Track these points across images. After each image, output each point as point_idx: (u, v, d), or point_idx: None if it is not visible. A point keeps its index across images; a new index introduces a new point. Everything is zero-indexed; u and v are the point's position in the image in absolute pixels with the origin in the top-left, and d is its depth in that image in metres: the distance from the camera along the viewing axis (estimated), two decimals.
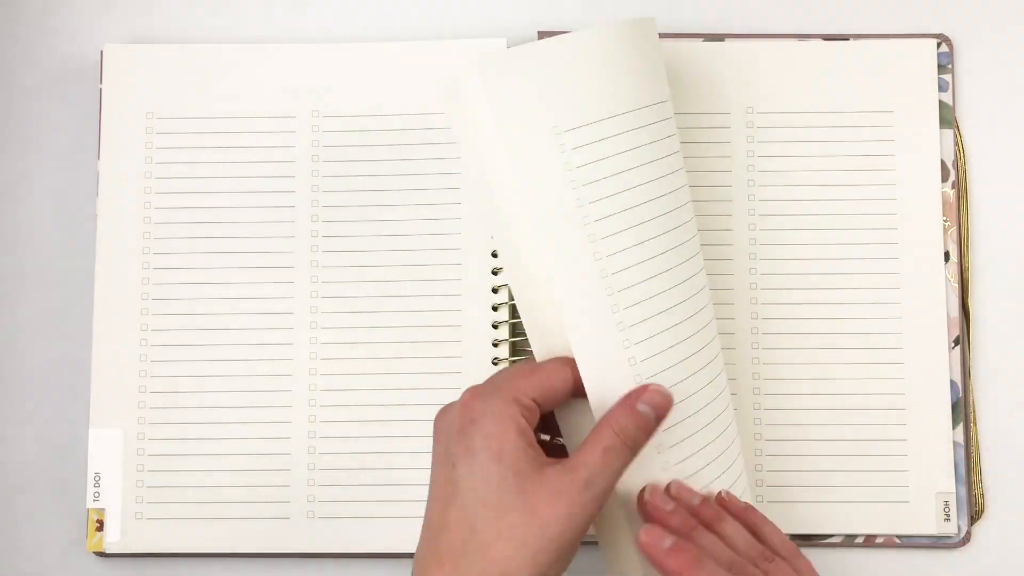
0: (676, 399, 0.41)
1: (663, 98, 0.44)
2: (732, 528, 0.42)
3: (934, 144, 0.52)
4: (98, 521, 0.51)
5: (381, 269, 0.52)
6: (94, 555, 0.52)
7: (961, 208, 0.53)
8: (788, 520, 0.50)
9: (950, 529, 0.50)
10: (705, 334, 0.44)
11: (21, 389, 0.54)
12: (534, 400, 0.39)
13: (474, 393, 0.39)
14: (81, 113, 0.55)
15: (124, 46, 0.54)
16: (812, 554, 0.51)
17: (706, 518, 0.41)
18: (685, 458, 0.43)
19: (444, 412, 0.40)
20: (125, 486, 0.51)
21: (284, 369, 0.52)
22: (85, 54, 0.55)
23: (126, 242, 0.52)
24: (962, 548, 0.51)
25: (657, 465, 0.42)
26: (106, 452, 0.51)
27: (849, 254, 0.52)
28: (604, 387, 0.41)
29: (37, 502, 0.53)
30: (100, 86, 0.53)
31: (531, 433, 0.38)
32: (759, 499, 0.51)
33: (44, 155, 0.55)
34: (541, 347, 0.42)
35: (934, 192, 0.52)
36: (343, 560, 0.51)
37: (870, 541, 0.51)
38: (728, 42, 0.53)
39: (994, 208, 0.54)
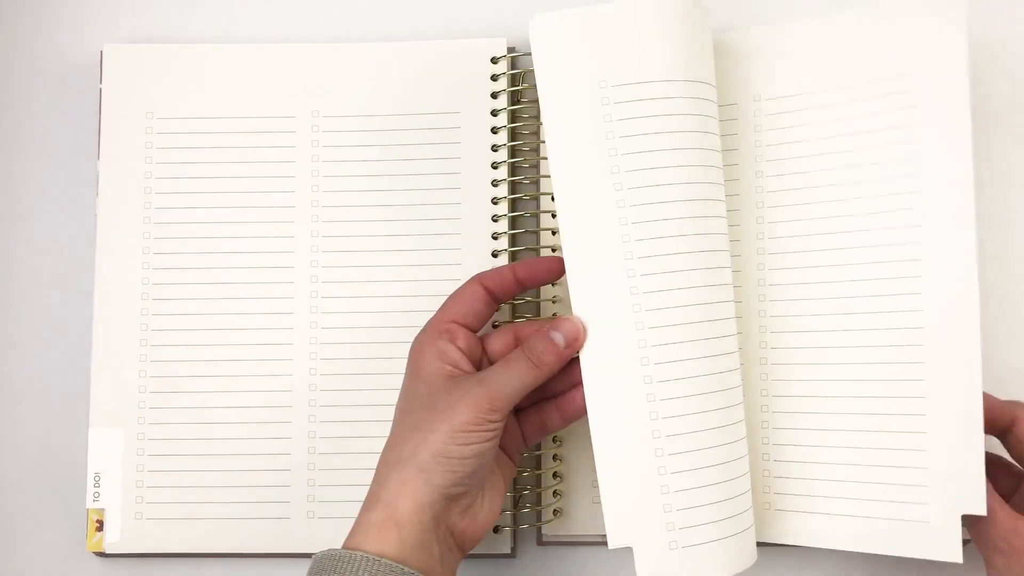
0: (684, 393, 0.45)
1: (709, 80, 0.46)
2: None
3: (964, 115, 0.46)
4: (98, 521, 0.51)
5: (381, 269, 0.52)
6: (94, 555, 0.52)
7: None
8: (794, 530, 0.49)
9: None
10: (722, 326, 0.46)
11: (21, 389, 0.54)
12: (455, 320, 0.46)
13: (418, 332, 0.46)
14: (81, 113, 0.55)
15: (124, 46, 0.54)
16: (812, 555, 0.51)
17: None
18: (680, 452, 0.44)
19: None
20: (125, 486, 0.51)
21: (284, 369, 0.52)
22: (85, 54, 0.55)
23: (126, 242, 0.52)
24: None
25: (651, 449, 0.44)
26: (106, 452, 0.51)
27: (869, 242, 0.48)
28: (607, 358, 0.45)
29: (37, 502, 0.53)
30: (100, 86, 0.53)
31: (453, 352, 0.45)
32: (766, 507, 0.49)
33: (44, 155, 0.55)
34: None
35: (964, 165, 0.46)
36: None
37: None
38: (739, 29, 0.51)
39: (996, 208, 0.53)
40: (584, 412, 0.45)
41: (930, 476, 0.46)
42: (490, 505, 0.45)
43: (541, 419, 0.48)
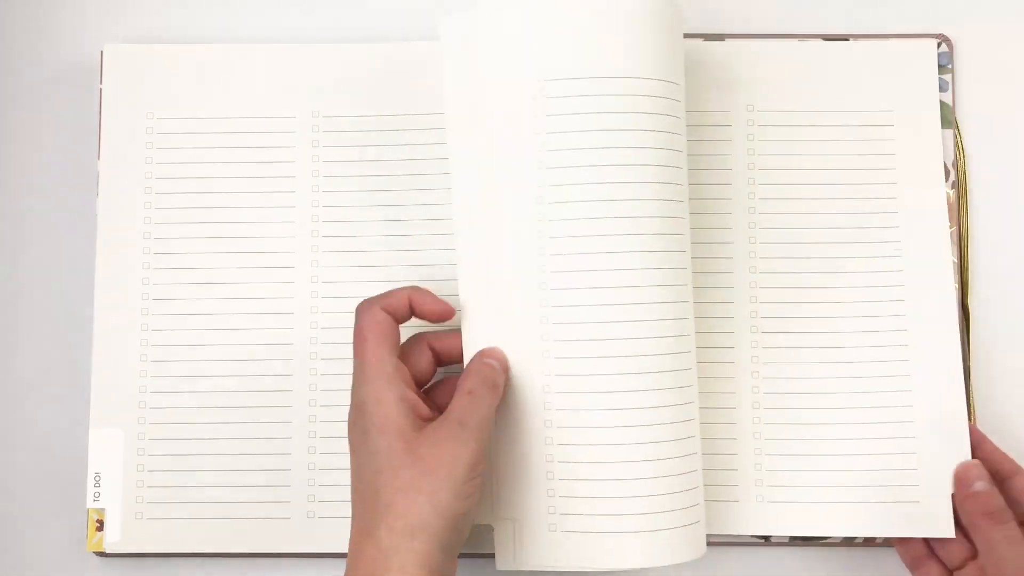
0: (582, 389, 0.45)
1: (667, 77, 0.46)
2: None
3: (936, 145, 0.52)
4: (98, 521, 0.51)
5: (381, 269, 0.52)
6: (94, 555, 0.52)
7: (961, 208, 0.53)
8: (789, 521, 0.50)
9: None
10: (652, 327, 0.45)
11: (22, 389, 0.54)
12: (400, 360, 0.44)
13: (358, 380, 0.44)
14: (81, 113, 0.55)
15: (124, 46, 0.54)
16: (810, 553, 0.52)
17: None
18: (568, 443, 0.45)
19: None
20: (125, 486, 0.51)
21: (284, 369, 0.52)
22: (85, 54, 0.55)
23: (126, 242, 0.52)
24: None
25: (541, 438, 0.46)
26: (106, 452, 0.51)
27: (851, 253, 0.52)
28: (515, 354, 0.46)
29: (37, 502, 0.53)
30: (100, 86, 0.53)
31: (410, 393, 0.43)
32: (759, 499, 0.50)
33: (44, 155, 0.55)
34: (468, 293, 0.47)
35: (938, 193, 0.52)
36: (343, 560, 0.51)
37: (870, 541, 0.51)
38: (728, 42, 0.53)
39: (994, 208, 0.54)
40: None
41: (918, 460, 0.50)
42: None
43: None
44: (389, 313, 0.45)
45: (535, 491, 0.46)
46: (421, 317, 0.47)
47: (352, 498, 0.43)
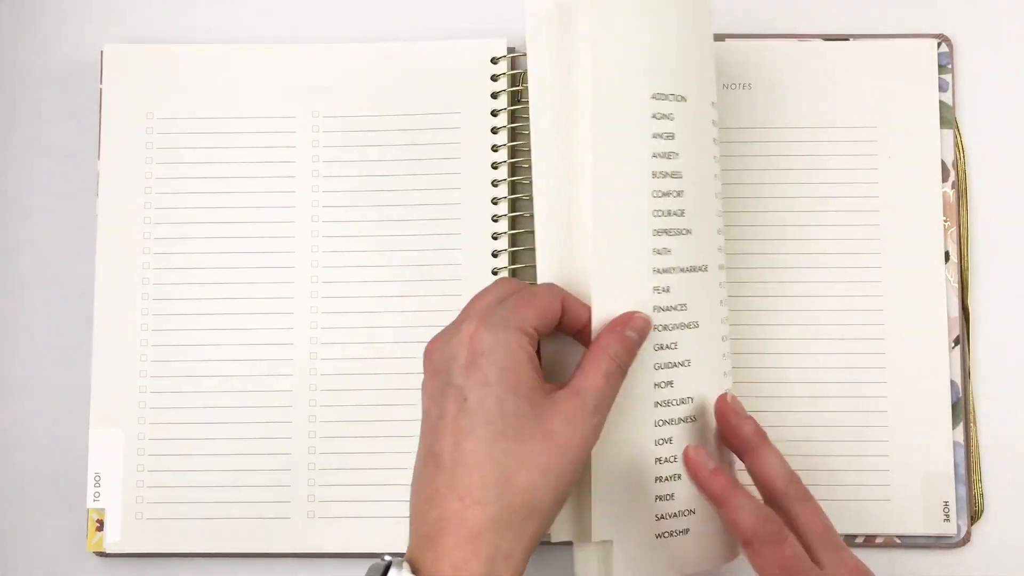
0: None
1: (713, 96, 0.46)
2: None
3: (934, 144, 0.52)
4: (98, 521, 0.51)
5: (381, 269, 0.52)
6: (94, 555, 0.52)
7: (961, 208, 0.53)
8: None
9: (950, 529, 0.50)
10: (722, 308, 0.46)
11: (21, 389, 0.54)
12: (536, 328, 0.39)
13: (480, 323, 0.38)
14: (81, 113, 0.55)
15: (124, 46, 0.54)
16: None
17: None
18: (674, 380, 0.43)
19: (440, 343, 0.39)
20: (125, 486, 0.51)
21: (284, 369, 0.52)
22: (85, 54, 0.55)
23: (126, 242, 0.52)
24: (962, 548, 0.51)
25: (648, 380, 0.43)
26: (106, 452, 0.51)
27: (846, 249, 0.52)
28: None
29: (37, 502, 0.53)
30: (100, 86, 0.53)
31: (537, 361, 0.39)
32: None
33: (44, 155, 0.55)
34: (550, 268, 0.43)
35: (934, 192, 0.52)
36: (343, 560, 0.51)
37: (870, 541, 0.51)
38: (728, 42, 0.53)
39: (994, 208, 0.54)
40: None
41: (891, 462, 0.51)
42: None
43: None
44: (537, 330, 0.40)
45: (640, 503, 0.42)
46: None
47: (437, 447, 0.37)
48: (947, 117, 0.53)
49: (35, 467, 0.53)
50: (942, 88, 0.53)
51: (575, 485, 0.39)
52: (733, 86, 0.53)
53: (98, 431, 0.51)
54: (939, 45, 0.53)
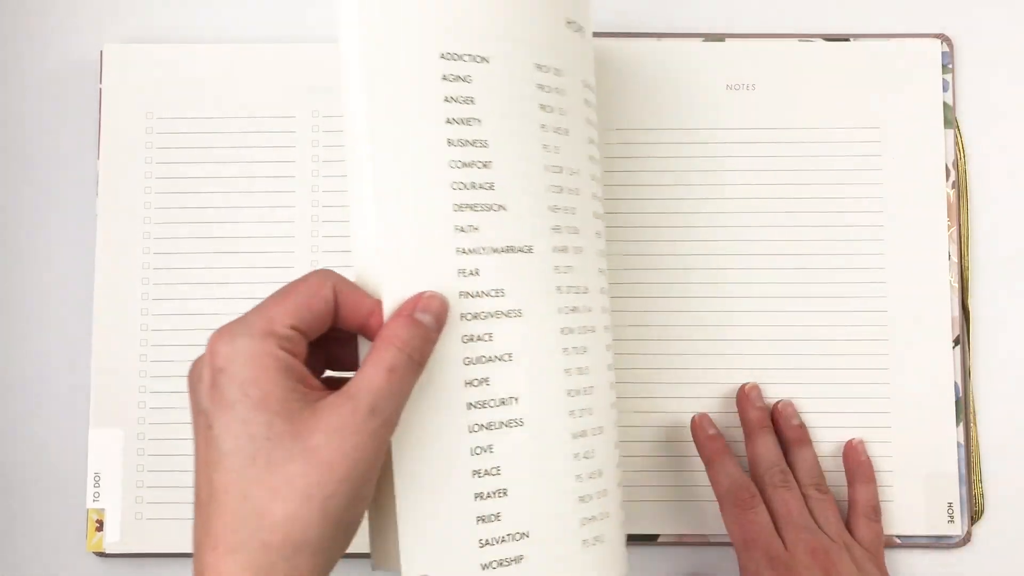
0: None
1: (585, 79, 0.42)
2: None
3: (938, 144, 0.52)
4: (98, 521, 0.51)
5: None
6: (94, 555, 0.52)
7: (961, 208, 0.53)
8: None
9: (954, 530, 0.50)
10: (578, 315, 0.40)
11: (21, 389, 0.54)
12: (294, 328, 0.33)
13: (220, 334, 0.33)
14: (81, 113, 0.55)
15: (124, 46, 0.54)
16: None
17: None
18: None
19: (194, 365, 0.34)
20: (125, 486, 0.51)
21: None
22: (85, 54, 0.55)
23: (126, 242, 0.52)
24: (962, 548, 0.51)
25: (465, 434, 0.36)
26: (106, 452, 0.51)
27: (850, 250, 0.52)
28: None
29: (37, 502, 0.53)
30: (100, 86, 0.53)
31: (299, 366, 0.33)
32: None
33: (44, 155, 0.55)
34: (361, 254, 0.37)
35: (938, 193, 0.52)
36: (342, 559, 0.51)
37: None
38: (728, 42, 0.53)
39: (994, 208, 0.54)
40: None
41: (894, 463, 0.51)
42: None
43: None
44: (298, 329, 0.34)
45: (458, 511, 0.36)
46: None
47: (195, 486, 0.32)
48: (947, 117, 0.53)
49: (35, 467, 0.53)
50: (943, 88, 0.53)
51: (356, 503, 0.32)
52: (735, 87, 0.53)
53: (98, 431, 0.51)
54: (940, 45, 0.53)
